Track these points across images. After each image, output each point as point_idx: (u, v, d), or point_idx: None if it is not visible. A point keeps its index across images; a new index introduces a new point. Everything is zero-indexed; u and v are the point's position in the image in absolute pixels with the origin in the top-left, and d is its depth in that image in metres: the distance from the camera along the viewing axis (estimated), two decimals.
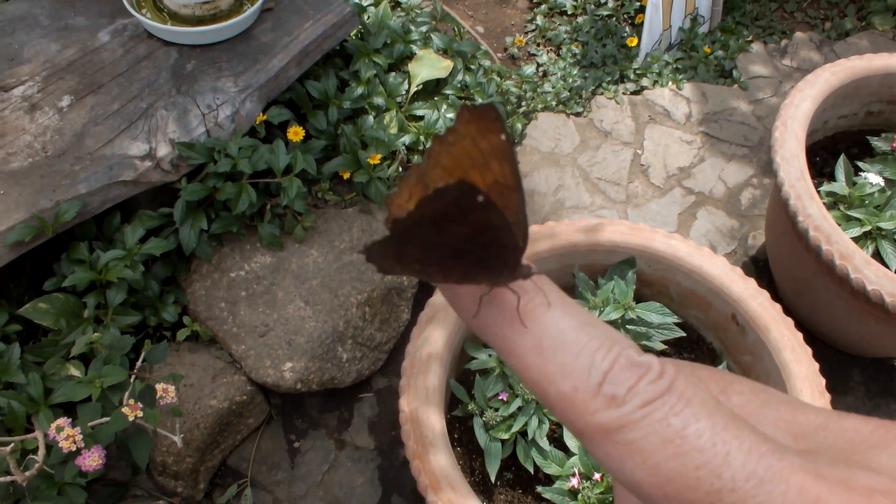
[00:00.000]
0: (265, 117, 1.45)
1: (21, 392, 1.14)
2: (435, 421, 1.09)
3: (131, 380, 1.06)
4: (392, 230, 0.23)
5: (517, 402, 1.15)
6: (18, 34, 1.49)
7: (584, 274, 1.30)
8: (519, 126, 1.95)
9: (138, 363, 1.11)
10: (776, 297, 1.59)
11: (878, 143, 1.56)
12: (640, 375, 0.20)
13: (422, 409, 1.10)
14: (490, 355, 1.21)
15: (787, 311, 1.29)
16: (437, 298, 1.22)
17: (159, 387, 1.01)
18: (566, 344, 0.21)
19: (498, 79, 1.87)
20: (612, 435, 0.20)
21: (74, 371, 1.20)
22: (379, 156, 1.50)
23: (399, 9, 1.99)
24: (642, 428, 0.19)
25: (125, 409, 0.98)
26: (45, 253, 1.36)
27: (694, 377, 0.21)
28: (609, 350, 0.21)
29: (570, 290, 1.31)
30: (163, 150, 1.35)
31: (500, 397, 1.17)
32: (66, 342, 1.25)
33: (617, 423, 0.20)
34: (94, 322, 1.30)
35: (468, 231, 0.23)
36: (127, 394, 1.03)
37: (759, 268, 1.76)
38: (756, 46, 2.29)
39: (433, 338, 1.16)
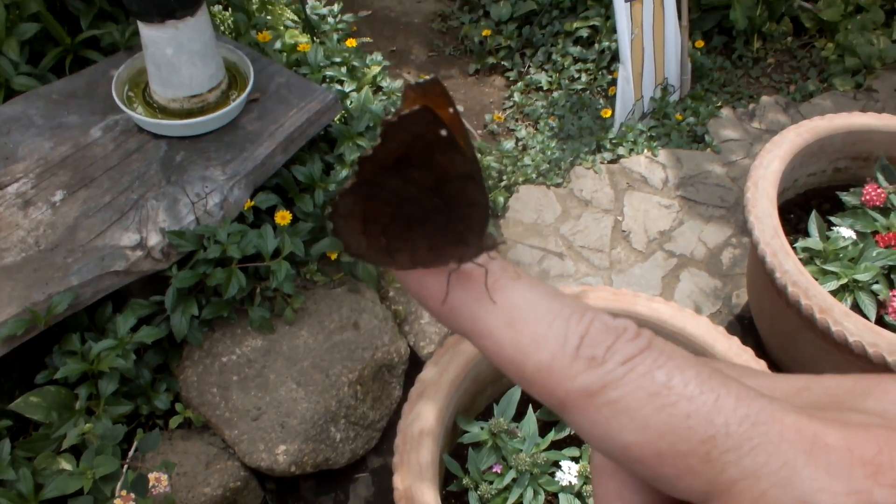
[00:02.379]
0: (253, 203, 1.49)
1: (10, 489, 1.14)
2: (430, 497, 1.09)
3: (123, 470, 1.07)
4: (357, 173, 0.23)
5: (511, 474, 1.16)
6: (14, 134, 1.54)
7: None
8: (501, 199, 2.00)
9: (130, 452, 1.12)
10: (763, 353, 1.61)
11: (847, 198, 1.61)
12: (617, 335, 0.20)
13: (416, 486, 1.10)
14: (482, 428, 1.22)
15: (775, 366, 1.32)
16: (428, 373, 1.24)
17: (152, 476, 1.01)
18: (538, 314, 0.21)
19: (479, 155, 1.92)
20: (595, 397, 0.19)
21: (65, 464, 1.20)
22: None
23: (381, 93, 2.07)
24: (626, 384, 0.19)
25: (117, 501, 0.98)
26: (37, 345, 1.37)
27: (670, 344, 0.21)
28: (582, 316, 0.20)
29: None
30: (153, 240, 1.38)
31: (494, 470, 1.17)
32: (57, 435, 1.25)
33: (599, 383, 0.19)
34: (85, 413, 1.30)
35: (431, 180, 0.22)
36: (119, 484, 1.03)
37: (744, 326, 1.79)
38: (725, 111, 2.38)
39: (424, 413, 1.17)
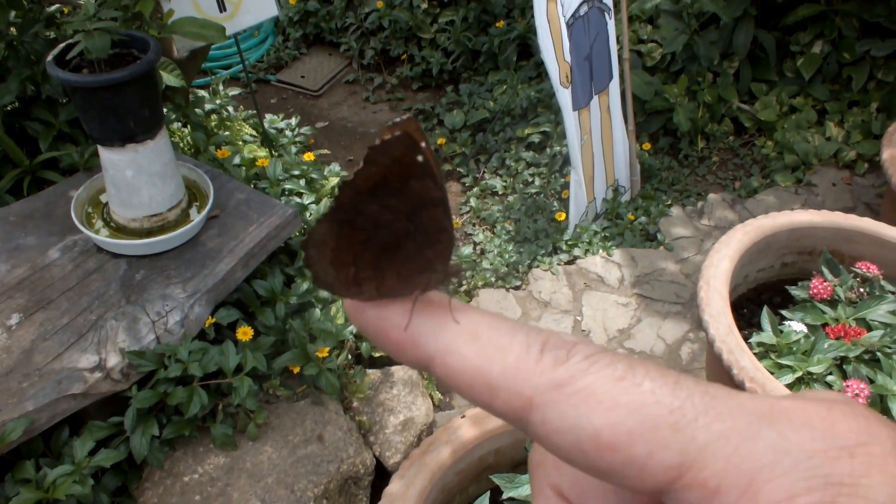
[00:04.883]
0: (214, 320, 1.49)
1: None
2: None
3: None
4: (337, 198, 0.24)
5: None
6: None
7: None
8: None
9: None
10: None
11: (796, 292, 1.66)
12: (574, 342, 0.21)
13: None
14: None
15: None
16: (394, 487, 1.22)
17: None
18: (501, 328, 0.22)
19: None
20: (563, 388, 0.20)
21: None
22: (327, 349, 1.54)
23: None
24: (592, 373, 0.20)
25: None
26: None
27: None
28: (539, 331, 0.22)
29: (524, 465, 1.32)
30: (113, 360, 1.37)
31: None
32: None
33: (566, 374, 0.20)
34: None
35: (406, 206, 0.24)
36: None
37: None
38: (675, 209, 2.47)
39: None
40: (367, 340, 1.64)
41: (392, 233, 0.24)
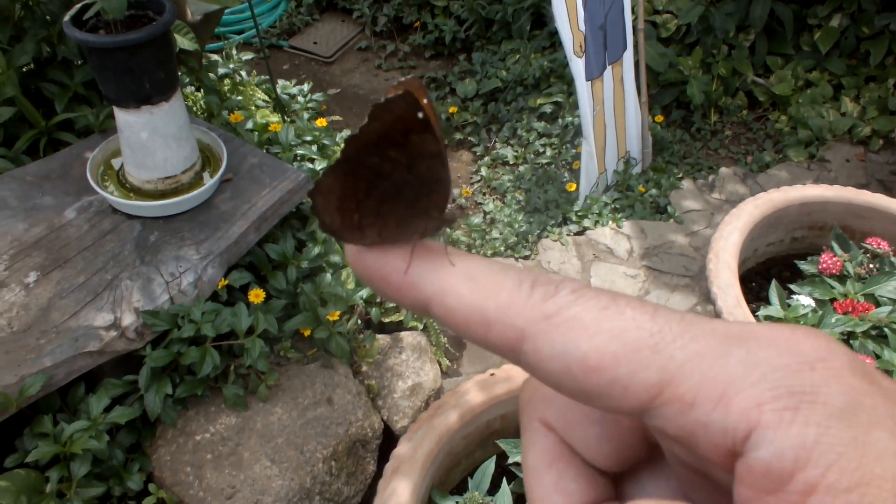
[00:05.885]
0: (227, 282, 1.51)
1: None
2: None
3: None
4: (343, 151, 0.26)
5: None
6: None
7: None
8: None
9: None
10: None
11: (805, 267, 1.67)
12: (561, 280, 0.23)
13: None
14: (457, 502, 1.22)
15: None
16: (402, 449, 1.25)
17: None
18: (494, 269, 0.24)
19: (448, 230, 1.97)
20: (552, 318, 0.21)
21: None
22: (338, 312, 1.55)
23: None
24: (579, 304, 0.21)
25: None
26: (7, 428, 1.36)
27: None
28: (529, 272, 0.23)
29: None
30: (127, 319, 1.39)
31: None
32: None
33: (554, 306, 0.21)
34: (56, 496, 1.29)
35: (406, 158, 0.26)
36: None
37: None
38: (686, 183, 2.46)
39: (399, 490, 1.18)
40: (374, 303, 1.66)
41: (393, 182, 0.26)
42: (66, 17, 1.42)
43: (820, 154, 2.57)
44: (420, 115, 0.24)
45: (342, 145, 0.26)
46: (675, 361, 0.19)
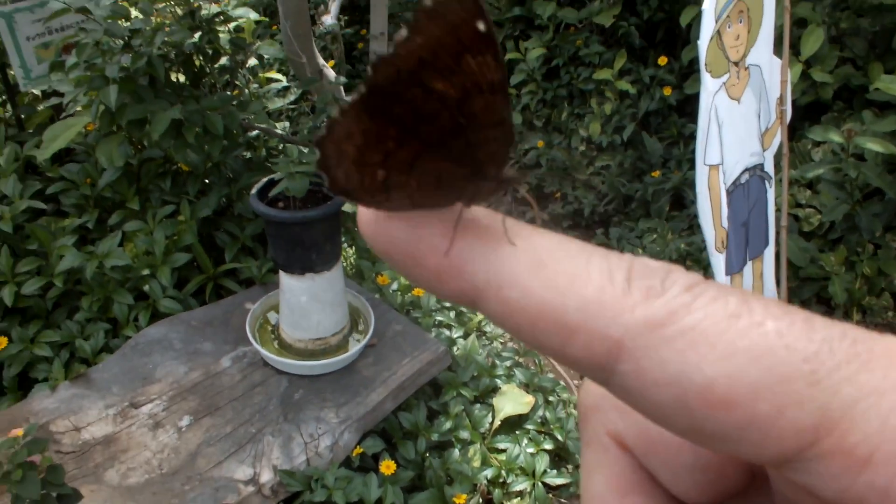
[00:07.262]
0: (361, 450, 1.56)
1: None
2: None
3: None
4: (369, 80, 0.19)
5: None
6: (154, 355, 1.70)
7: None
8: None
9: None
10: None
11: None
12: (668, 269, 0.17)
13: None
14: None
15: None
16: None
17: None
18: (571, 252, 0.18)
19: (576, 412, 1.97)
20: (663, 328, 0.15)
21: None
22: (465, 495, 1.57)
23: (484, 337, 2.18)
24: (698, 309, 0.16)
25: None
26: None
27: None
28: (619, 256, 0.18)
29: None
30: (266, 476, 1.46)
31: None
32: None
33: (665, 310, 0.16)
34: None
35: (457, 92, 0.19)
36: None
37: None
38: None
39: None
40: (497, 482, 1.66)
41: (436, 127, 0.19)
42: (254, 190, 1.59)
43: None
44: (481, 25, 0.18)
45: (368, 71, 0.19)
46: (841, 398, 0.14)
